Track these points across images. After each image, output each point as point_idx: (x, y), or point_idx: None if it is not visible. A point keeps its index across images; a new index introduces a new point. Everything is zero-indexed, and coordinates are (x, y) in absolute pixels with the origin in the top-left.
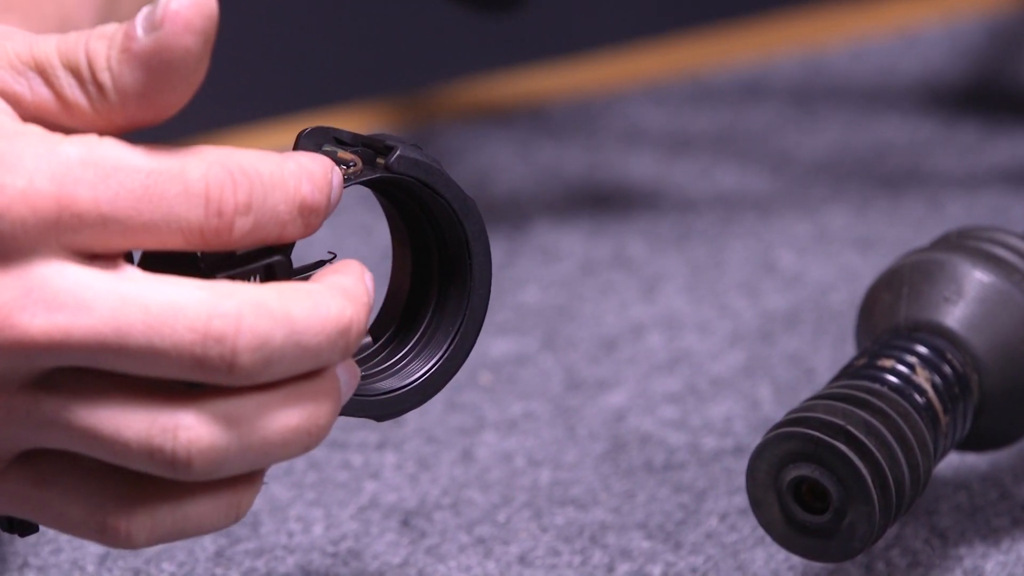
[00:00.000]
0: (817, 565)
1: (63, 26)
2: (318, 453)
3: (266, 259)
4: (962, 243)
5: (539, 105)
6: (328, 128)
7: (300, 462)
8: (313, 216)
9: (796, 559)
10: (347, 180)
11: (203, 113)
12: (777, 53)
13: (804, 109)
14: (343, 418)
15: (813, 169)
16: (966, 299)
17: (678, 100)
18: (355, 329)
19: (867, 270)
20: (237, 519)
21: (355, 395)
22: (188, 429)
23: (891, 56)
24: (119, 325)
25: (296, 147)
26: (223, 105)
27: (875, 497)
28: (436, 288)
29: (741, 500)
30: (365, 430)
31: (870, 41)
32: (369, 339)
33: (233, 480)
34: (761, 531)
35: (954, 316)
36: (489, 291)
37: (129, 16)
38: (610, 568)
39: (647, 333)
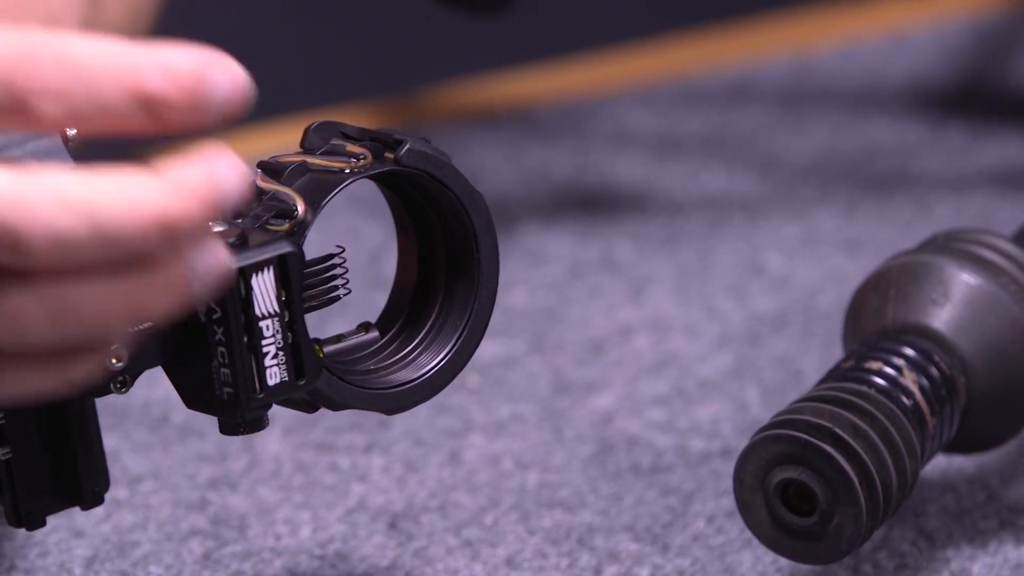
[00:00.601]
0: (804, 567)
1: (49, 25)
2: (305, 456)
3: (276, 251)
4: (949, 245)
5: (527, 107)
6: (336, 123)
7: (288, 465)
8: (164, 110)
9: (783, 561)
10: (357, 173)
11: None
12: (766, 55)
13: (793, 111)
14: (330, 421)
15: (801, 171)
16: (953, 301)
17: (667, 102)
18: (181, 223)
19: (855, 272)
20: (70, 388)
21: (365, 388)
22: None
23: (880, 58)
24: None
25: (304, 141)
26: None
27: (862, 499)
28: (443, 282)
29: (728, 502)
30: (353, 432)
31: (859, 43)
32: (376, 333)
33: (59, 352)
34: (748, 533)
35: (941, 318)
36: (497, 284)
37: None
38: (597, 571)
39: (635, 335)
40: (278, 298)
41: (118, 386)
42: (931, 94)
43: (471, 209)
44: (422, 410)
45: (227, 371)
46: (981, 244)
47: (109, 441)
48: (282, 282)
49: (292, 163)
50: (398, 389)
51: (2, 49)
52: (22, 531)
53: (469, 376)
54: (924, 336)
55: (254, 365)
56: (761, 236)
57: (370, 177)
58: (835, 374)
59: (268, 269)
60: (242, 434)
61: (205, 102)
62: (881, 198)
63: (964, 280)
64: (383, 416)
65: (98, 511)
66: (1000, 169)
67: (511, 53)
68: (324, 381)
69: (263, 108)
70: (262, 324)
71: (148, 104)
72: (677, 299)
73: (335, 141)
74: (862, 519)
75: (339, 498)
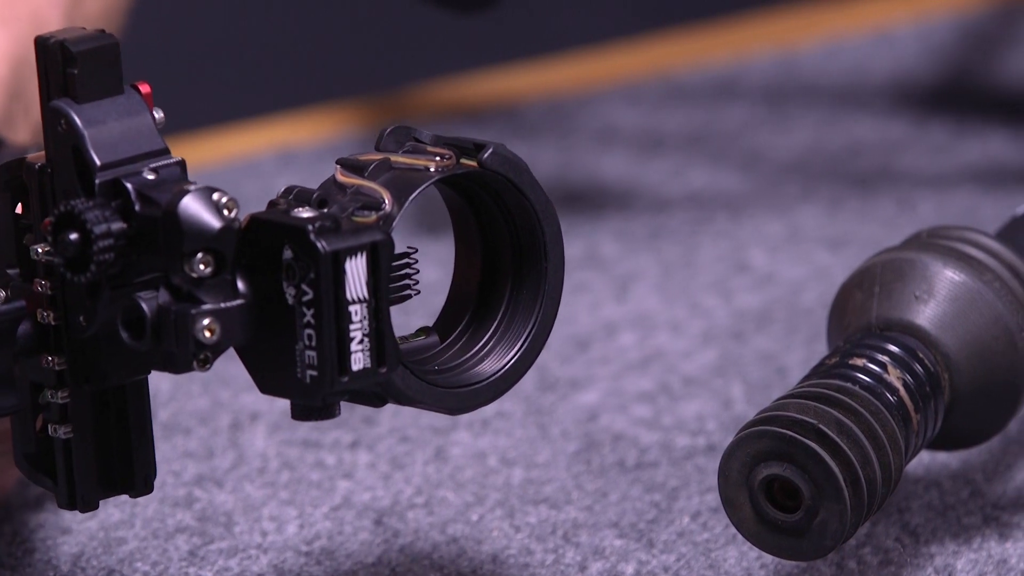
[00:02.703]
0: (789, 563)
1: (35, 24)
2: (291, 453)
3: (369, 238)
4: (933, 242)
5: (512, 105)
6: (411, 127)
7: (274, 462)
8: None
9: (768, 557)
10: (441, 172)
11: (172, 115)
12: (750, 53)
13: (776, 109)
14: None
15: (785, 168)
16: (937, 298)
17: (651, 100)
18: None
19: (839, 269)
20: None
21: (433, 384)
22: None
23: (863, 56)
24: None
25: (379, 144)
26: (191, 107)
27: (847, 495)
28: (508, 289)
29: (713, 499)
30: (338, 430)
31: (842, 41)
32: (436, 338)
33: None
34: (733, 529)
35: (925, 315)
36: (561, 294)
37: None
38: (582, 567)
39: (619, 332)
40: (367, 284)
41: (201, 362)
42: (914, 91)
43: (543, 218)
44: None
45: (312, 354)
46: (965, 241)
47: None
48: (372, 269)
49: (374, 160)
50: (464, 389)
51: None
52: (7, 528)
53: None
54: (908, 333)
55: (341, 349)
56: (745, 233)
57: (451, 177)
58: (819, 371)
59: (360, 255)
60: (314, 420)
61: None
62: (865, 195)
63: (948, 277)
64: (369, 412)
65: None
66: (983, 166)
67: (496, 51)
68: (398, 374)
69: (249, 107)
70: (351, 308)
71: None
72: (661, 296)
73: (409, 145)
74: (846, 515)
75: (325, 495)
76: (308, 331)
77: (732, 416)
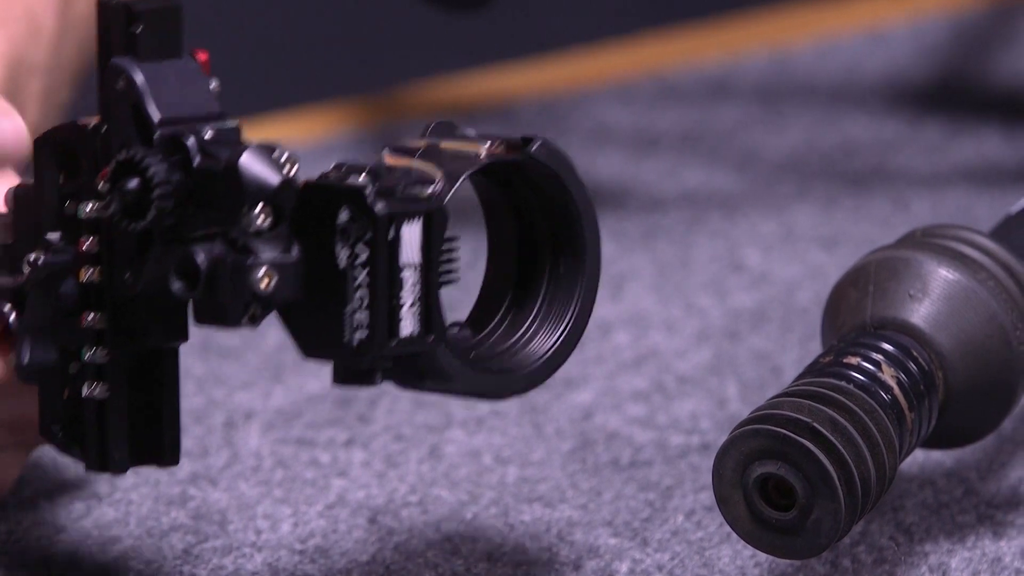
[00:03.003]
0: (783, 562)
1: (31, 25)
2: (286, 450)
3: (425, 206)
4: (928, 241)
5: (506, 104)
6: (453, 123)
7: (268, 460)
8: None
9: (762, 556)
10: (491, 157)
11: None
12: (744, 52)
13: (770, 108)
14: (311, 416)
15: (779, 168)
16: (931, 297)
17: (645, 99)
18: None
19: (833, 268)
20: None
21: (474, 370)
22: None
23: (857, 55)
24: None
25: (425, 135)
26: None
27: (841, 494)
28: (543, 284)
29: (707, 497)
30: (333, 428)
31: (836, 40)
32: (468, 332)
33: None
34: (727, 528)
35: (919, 314)
36: (596, 293)
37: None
38: (577, 565)
39: (614, 331)
40: (420, 251)
41: (252, 317)
42: (908, 91)
43: (584, 216)
44: (402, 405)
45: (363, 316)
46: (959, 240)
47: None
48: (426, 237)
49: (423, 146)
50: (502, 376)
51: None
52: (1, 527)
53: None
54: (903, 331)
55: (392, 312)
56: (739, 232)
57: (493, 167)
58: (814, 369)
59: (416, 220)
60: (355, 384)
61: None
62: (859, 194)
63: (943, 275)
64: (363, 411)
65: (78, 507)
66: (977, 165)
67: (490, 50)
68: (442, 351)
69: (242, 106)
70: (404, 274)
71: None
72: (656, 295)
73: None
74: (841, 514)
75: (319, 493)
76: (360, 292)
77: (726, 415)
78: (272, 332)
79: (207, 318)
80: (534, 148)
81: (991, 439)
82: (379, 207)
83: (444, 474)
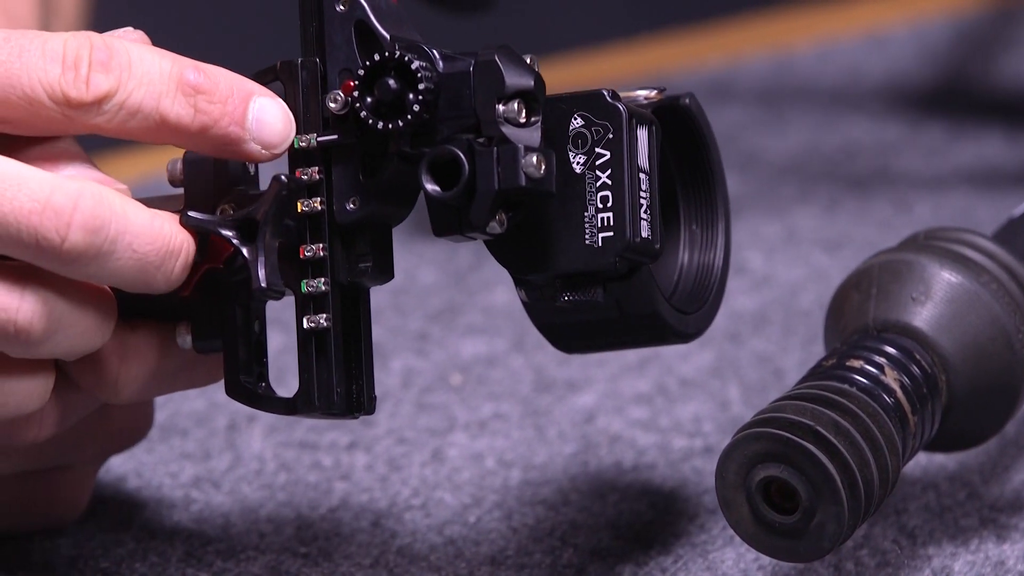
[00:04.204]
0: (787, 565)
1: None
2: (288, 454)
3: (651, 119)
4: (930, 244)
5: None
6: None
7: (271, 463)
8: (204, 100)
9: (765, 559)
10: (651, 103)
11: None
12: (745, 54)
13: (772, 110)
14: (313, 420)
15: (781, 170)
16: (934, 300)
17: None
18: (183, 258)
19: (835, 271)
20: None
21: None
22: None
23: (858, 57)
24: None
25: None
26: None
27: (844, 497)
28: (682, 233)
29: (710, 500)
30: (335, 431)
31: (837, 42)
32: None
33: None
34: (730, 531)
35: (922, 316)
36: (730, 247)
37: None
38: (580, 568)
39: None
40: (649, 158)
41: (501, 223)
42: (909, 93)
43: (716, 174)
44: (405, 408)
45: (606, 215)
46: (962, 242)
47: None
48: (653, 144)
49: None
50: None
51: (66, 36)
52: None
53: (452, 374)
54: (905, 334)
55: (634, 209)
56: (741, 235)
57: (656, 110)
58: (816, 372)
59: (645, 127)
60: (576, 300)
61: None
62: (861, 197)
63: (945, 278)
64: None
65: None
66: (978, 168)
67: None
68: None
69: None
70: (641, 176)
71: (189, 92)
72: None
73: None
74: (844, 517)
75: (322, 496)
76: (603, 193)
77: (729, 418)
78: (274, 336)
79: (453, 222)
80: (687, 100)
81: (994, 442)
82: (621, 106)
83: (447, 477)
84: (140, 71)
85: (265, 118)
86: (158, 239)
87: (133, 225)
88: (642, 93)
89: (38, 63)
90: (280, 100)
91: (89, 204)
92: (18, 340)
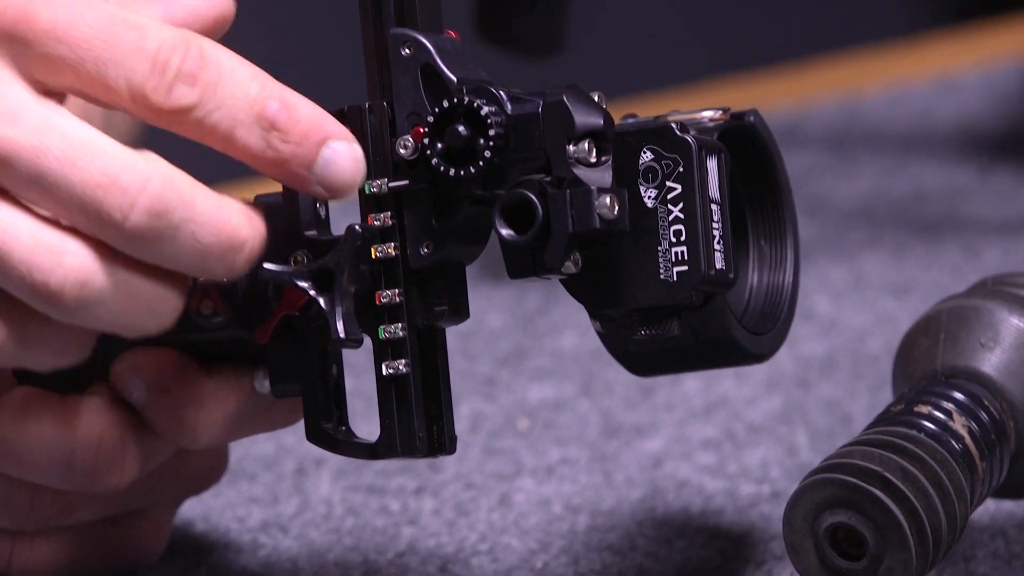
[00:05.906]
0: None
1: None
2: (356, 498)
3: (720, 146)
4: (999, 289)
5: None
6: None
7: (338, 507)
8: (278, 137)
9: None
10: (718, 125)
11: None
12: (815, 98)
13: (841, 154)
14: (381, 465)
15: (850, 214)
16: (1003, 346)
17: None
18: (247, 252)
19: (903, 316)
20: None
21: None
22: (73, 259)
23: (929, 102)
24: (38, 145)
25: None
26: None
27: (912, 544)
28: (752, 254)
29: (778, 546)
30: (403, 476)
31: (907, 87)
32: None
33: (71, 330)
34: None
35: (991, 363)
36: (799, 266)
37: None
38: None
39: (684, 379)
40: (719, 187)
41: (575, 263)
42: (979, 138)
43: (783, 190)
44: (472, 453)
45: (681, 249)
46: None
47: None
48: (722, 173)
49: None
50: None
51: (167, 33)
52: None
53: (519, 419)
54: (974, 380)
55: (707, 242)
56: (809, 279)
57: (723, 131)
58: (884, 418)
59: (715, 157)
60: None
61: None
62: (930, 242)
63: (1014, 324)
64: (433, 459)
65: None
66: None
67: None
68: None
69: None
70: (712, 207)
71: (266, 125)
72: None
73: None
74: (912, 564)
75: (390, 541)
76: (676, 227)
77: (797, 463)
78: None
79: (527, 264)
80: (752, 117)
81: None
82: (690, 137)
83: (514, 522)
84: (224, 93)
85: (335, 163)
86: (223, 230)
87: (199, 214)
88: (707, 114)
89: (128, 57)
90: (356, 145)
91: (157, 187)
92: (50, 304)
